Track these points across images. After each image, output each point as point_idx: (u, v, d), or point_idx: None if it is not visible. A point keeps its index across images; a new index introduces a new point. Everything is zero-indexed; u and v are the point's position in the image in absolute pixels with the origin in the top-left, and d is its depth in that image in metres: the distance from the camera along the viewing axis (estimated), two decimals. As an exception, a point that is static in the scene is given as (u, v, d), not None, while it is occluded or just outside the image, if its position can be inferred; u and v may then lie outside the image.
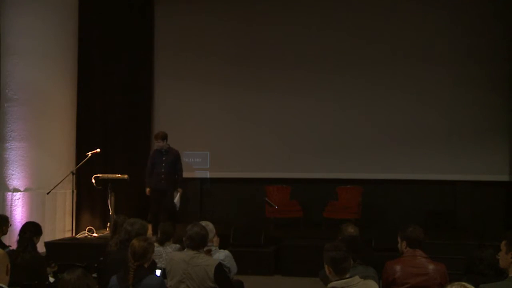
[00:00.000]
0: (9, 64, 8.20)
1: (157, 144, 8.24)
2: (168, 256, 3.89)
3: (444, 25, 9.89)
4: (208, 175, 10.47)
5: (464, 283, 2.42)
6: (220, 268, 3.93)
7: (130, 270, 3.52)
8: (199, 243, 3.99)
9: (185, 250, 4.07)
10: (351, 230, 4.52)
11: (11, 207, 7.95)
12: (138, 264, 3.55)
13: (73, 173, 8.10)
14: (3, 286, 2.86)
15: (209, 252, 4.30)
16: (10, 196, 8.01)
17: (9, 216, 6.87)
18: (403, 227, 4.07)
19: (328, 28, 10.21)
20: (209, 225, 4.55)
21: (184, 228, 4.27)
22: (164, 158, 8.14)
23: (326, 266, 3.26)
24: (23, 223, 5.70)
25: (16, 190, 8.05)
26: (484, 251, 3.83)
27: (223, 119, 10.46)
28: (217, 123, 10.46)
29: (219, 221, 7.86)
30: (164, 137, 8.17)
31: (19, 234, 4.91)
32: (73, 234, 8.17)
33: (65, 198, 8.33)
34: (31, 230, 4.92)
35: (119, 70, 10.04)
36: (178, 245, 4.97)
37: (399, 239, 4.07)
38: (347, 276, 3.18)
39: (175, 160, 8.22)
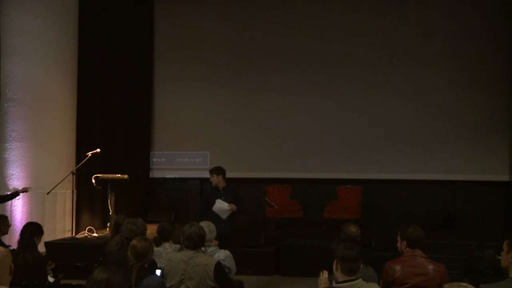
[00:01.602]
0: (9, 64, 8.21)
1: (211, 179, 6.94)
2: (166, 257, 3.88)
3: (444, 26, 9.89)
4: (208, 175, 10.45)
5: (463, 283, 2.41)
6: (219, 266, 3.93)
7: (133, 271, 3.51)
8: (197, 243, 3.97)
9: (184, 250, 4.06)
10: (353, 229, 4.51)
11: (11, 207, 7.95)
12: (141, 264, 3.55)
13: (73, 173, 8.10)
14: (3, 287, 2.85)
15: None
16: (10, 196, 8.01)
17: (9, 216, 6.87)
18: (403, 227, 4.06)
19: (328, 29, 10.22)
20: (210, 226, 4.54)
21: (183, 228, 4.26)
22: (222, 198, 6.87)
23: (335, 262, 3.22)
24: (23, 223, 5.71)
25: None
26: (484, 251, 3.83)
27: (223, 119, 10.46)
28: (217, 123, 10.46)
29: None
30: (219, 171, 6.86)
31: (20, 234, 4.91)
32: (73, 234, 8.18)
33: (65, 198, 8.34)
34: (31, 230, 4.92)
35: (119, 70, 10.04)
36: (178, 246, 4.96)
37: (399, 239, 4.06)
38: (354, 278, 3.16)
39: (235, 199, 6.77)
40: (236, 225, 6.82)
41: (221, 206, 6.59)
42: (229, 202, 6.62)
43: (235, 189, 6.86)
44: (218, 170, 6.81)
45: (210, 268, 3.85)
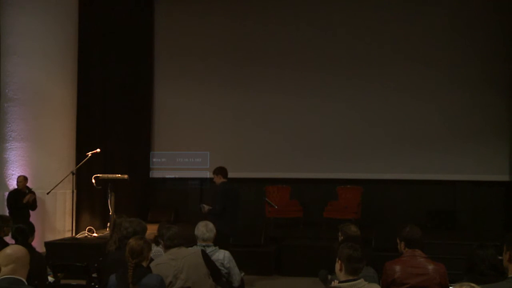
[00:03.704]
0: (9, 64, 8.21)
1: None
2: (152, 264, 3.92)
3: (444, 26, 9.89)
4: (208, 175, 10.44)
5: (472, 284, 2.41)
6: (205, 253, 4.16)
7: (129, 269, 3.52)
8: (180, 241, 4.13)
9: (167, 251, 4.15)
10: (354, 229, 4.53)
11: (11, 207, 7.94)
12: (136, 261, 3.55)
13: (73, 173, 8.10)
14: (22, 279, 3.05)
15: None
16: (10, 196, 8.00)
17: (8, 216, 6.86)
18: (401, 227, 4.06)
19: (328, 29, 10.22)
20: (208, 225, 4.56)
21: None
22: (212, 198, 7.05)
23: (339, 262, 3.21)
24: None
25: (16, 190, 8.04)
26: (485, 251, 3.81)
27: (223, 119, 10.46)
28: (217, 123, 10.46)
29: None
30: (214, 171, 7.04)
31: (12, 236, 4.82)
32: (73, 234, 8.17)
33: (65, 198, 8.34)
34: (22, 230, 4.79)
35: (119, 70, 10.04)
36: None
37: (398, 241, 4.06)
38: (356, 277, 3.15)
39: (216, 199, 6.90)
40: (230, 225, 6.74)
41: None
42: (216, 200, 6.84)
43: (218, 188, 6.93)
44: (215, 170, 7.06)
45: (199, 255, 4.05)
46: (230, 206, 6.78)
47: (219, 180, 6.97)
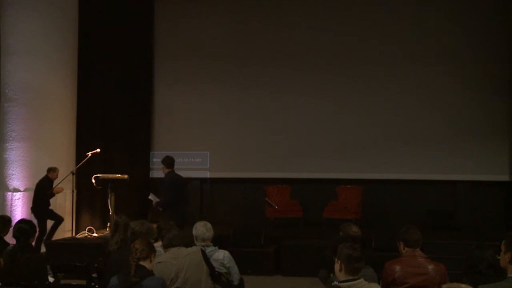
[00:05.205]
0: (9, 64, 8.22)
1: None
2: (155, 261, 3.96)
3: (444, 26, 9.88)
4: (208, 175, 10.47)
5: (462, 285, 2.40)
6: (204, 252, 4.21)
7: (131, 267, 3.53)
8: (178, 242, 4.19)
9: (166, 250, 4.20)
10: (355, 229, 4.53)
11: (11, 207, 7.96)
12: (138, 257, 3.57)
13: (73, 173, 8.11)
14: None
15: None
16: (10, 196, 8.03)
17: (9, 216, 6.86)
18: (400, 228, 4.07)
19: (328, 29, 10.21)
20: (207, 225, 4.58)
21: (162, 232, 4.42)
22: (160, 190, 7.19)
23: (338, 262, 3.21)
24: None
25: (16, 190, 8.06)
26: (484, 251, 3.82)
27: (223, 119, 10.46)
28: (217, 123, 10.46)
29: (219, 221, 7.90)
30: (162, 161, 7.18)
31: (13, 236, 4.82)
32: (73, 234, 8.18)
33: (65, 198, 8.34)
34: (25, 229, 4.78)
35: (119, 70, 10.03)
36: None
37: (398, 243, 4.07)
38: (356, 277, 3.15)
39: (165, 189, 7.06)
40: (183, 216, 6.86)
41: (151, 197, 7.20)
42: (164, 194, 7.02)
43: (166, 178, 7.01)
44: (162, 160, 7.18)
45: (199, 254, 4.11)
46: (179, 196, 6.89)
47: (164, 170, 7.07)
